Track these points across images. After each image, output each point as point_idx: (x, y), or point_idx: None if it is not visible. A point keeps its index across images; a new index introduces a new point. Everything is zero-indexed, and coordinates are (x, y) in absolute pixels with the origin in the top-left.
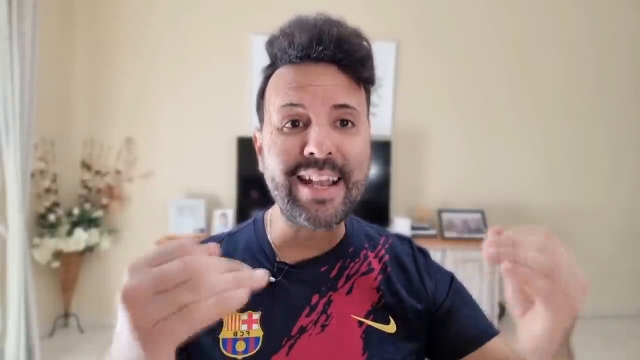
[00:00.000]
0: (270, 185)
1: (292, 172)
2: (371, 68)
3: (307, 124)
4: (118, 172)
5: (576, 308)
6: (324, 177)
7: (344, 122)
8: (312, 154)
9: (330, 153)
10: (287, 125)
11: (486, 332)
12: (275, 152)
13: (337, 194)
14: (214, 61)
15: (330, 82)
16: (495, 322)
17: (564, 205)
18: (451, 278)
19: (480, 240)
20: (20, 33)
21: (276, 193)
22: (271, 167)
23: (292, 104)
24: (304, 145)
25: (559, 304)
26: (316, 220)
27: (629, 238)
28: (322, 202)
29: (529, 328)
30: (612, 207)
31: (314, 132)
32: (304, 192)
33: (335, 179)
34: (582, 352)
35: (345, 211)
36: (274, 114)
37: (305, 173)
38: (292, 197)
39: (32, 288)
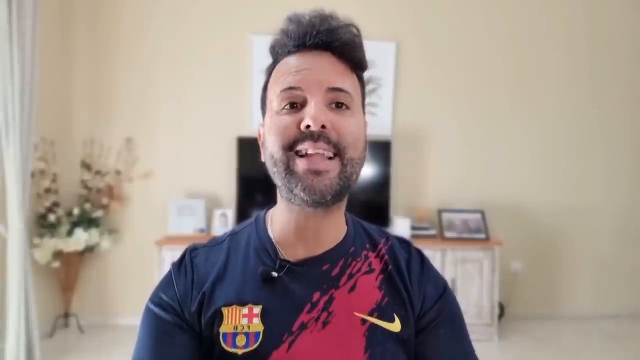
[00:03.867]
0: (270, 164)
1: (290, 148)
2: (362, 52)
3: (304, 105)
4: (118, 172)
5: None
6: (319, 150)
7: (339, 105)
8: (308, 127)
9: (324, 127)
10: (285, 107)
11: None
12: (274, 131)
13: (332, 167)
14: (214, 61)
15: (325, 67)
16: (495, 322)
17: (563, 205)
18: (440, 294)
19: (480, 240)
20: (20, 33)
21: (275, 170)
22: (270, 145)
23: (290, 88)
24: (300, 122)
25: None
26: (311, 189)
27: (628, 237)
28: (317, 172)
29: None
30: (611, 206)
31: (309, 108)
32: (300, 164)
33: (330, 154)
34: (581, 352)
35: (340, 186)
36: (275, 99)
37: (302, 147)
38: (289, 170)
39: (32, 288)
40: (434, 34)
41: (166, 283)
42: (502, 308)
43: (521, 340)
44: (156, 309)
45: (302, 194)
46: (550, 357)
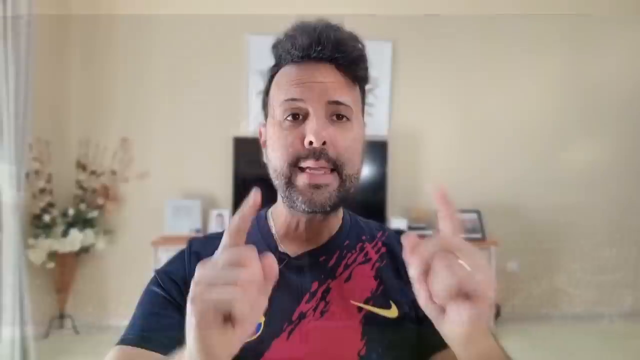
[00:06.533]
0: (272, 174)
1: (294, 164)
2: (365, 68)
3: (306, 117)
4: (113, 173)
5: (484, 308)
6: (320, 167)
7: (339, 117)
8: (311, 143)
9: (324, 143)
10: (288, 118)
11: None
12: (278, 146)
13: (332, 181)
14: (211, 61)
15: (327, 80)
16: (491, 323)
17: (559, 205)
18: None
19: (476, 240)
20: (15, 32)
21: (277, 182)
22: (274, 159)
23: (293, 99)
24: (303, 137)
25: (465, 309)
26: (312, 202)
27: (624, 237)
28: (317, 186)
29: (446, 327)
30: (607, 206)
31: (311, 123)
32: (301, 178)
33: (331, 167)
34: (577, 353)
35: (339, 198)
36: (277, 108)
37: (305, 165)
38: (291, 184)
39: (27, 289)
40: (430, 33)
41: (173, 261)
42: (497, 309)
43: (517, 341)
44: (161, 278)
45: (303, 205)
46: (546, 358)
